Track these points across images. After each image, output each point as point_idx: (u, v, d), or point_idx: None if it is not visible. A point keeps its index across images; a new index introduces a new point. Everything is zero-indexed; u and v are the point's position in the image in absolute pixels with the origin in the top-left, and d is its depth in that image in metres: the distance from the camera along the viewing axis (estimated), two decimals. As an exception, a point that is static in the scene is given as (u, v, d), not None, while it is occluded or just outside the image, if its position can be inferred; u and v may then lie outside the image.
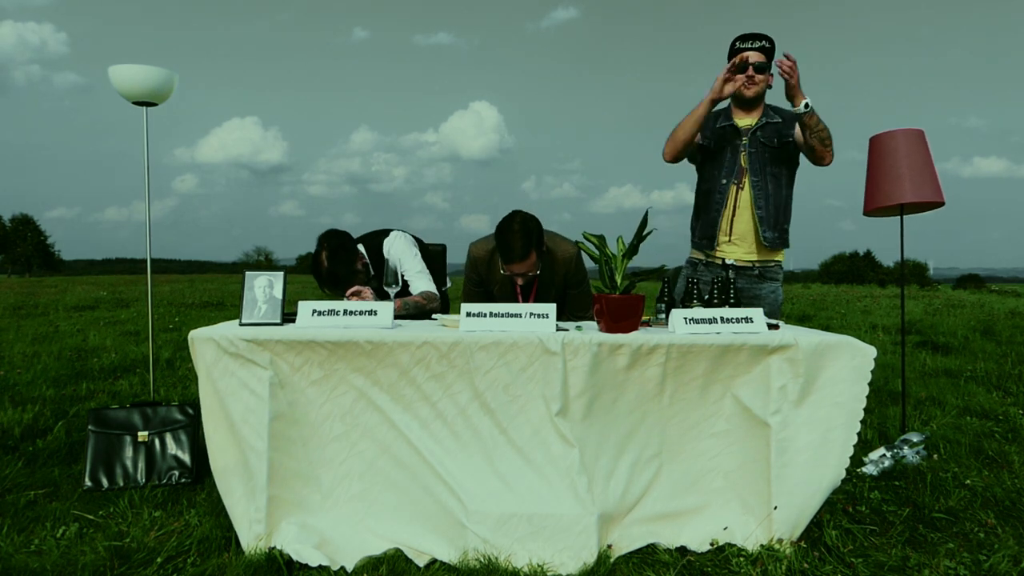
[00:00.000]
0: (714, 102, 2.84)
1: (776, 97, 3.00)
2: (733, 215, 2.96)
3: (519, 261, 2.77)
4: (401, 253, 3.08)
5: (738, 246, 2.99)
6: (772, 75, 2.96)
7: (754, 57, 2.91)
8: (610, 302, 2.22)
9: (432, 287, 3.04)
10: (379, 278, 3.06)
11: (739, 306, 2.45)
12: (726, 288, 2.48)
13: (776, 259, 3.04)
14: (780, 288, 3.05)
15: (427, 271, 3.09)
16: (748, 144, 2.95)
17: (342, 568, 2.01)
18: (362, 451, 2.21)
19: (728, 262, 2.98)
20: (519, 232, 2.74)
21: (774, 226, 2.97)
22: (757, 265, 3.00)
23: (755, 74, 2.91)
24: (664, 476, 2.26)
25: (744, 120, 3.01)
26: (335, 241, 2.92)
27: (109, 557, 2.04)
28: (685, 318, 2.26)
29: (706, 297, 2.50)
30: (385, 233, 3.14)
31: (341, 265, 2.89)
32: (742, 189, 2.95)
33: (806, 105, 2.74)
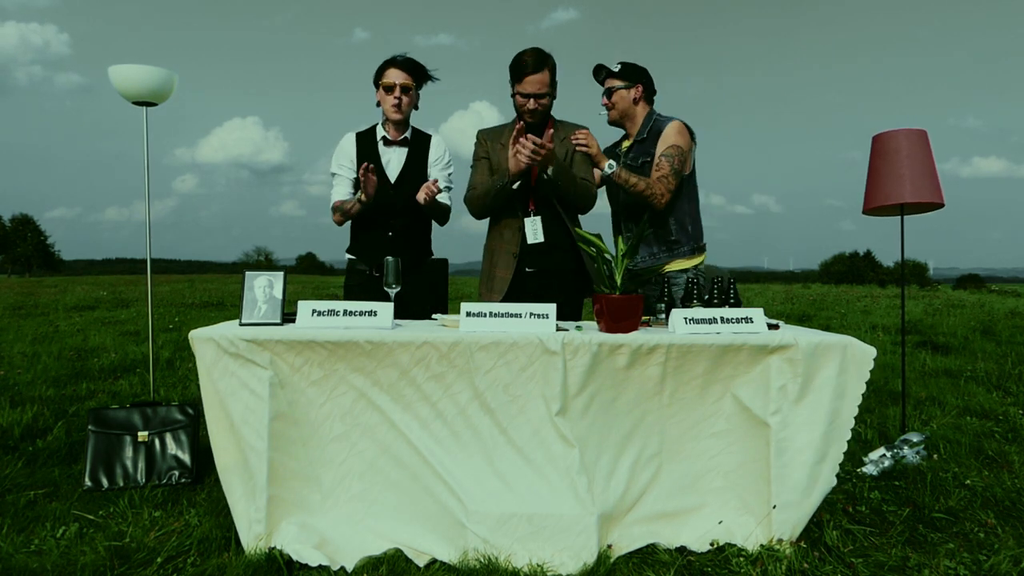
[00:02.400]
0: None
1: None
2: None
3: (532, 73, 2.75)
4: (443, 156, 3.12)
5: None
6: (636, 87, 2.98)
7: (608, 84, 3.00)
8: (610, 302, 2.22)
9: (449, 204, 3.09)
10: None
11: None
12: (726, 288, 2.48)
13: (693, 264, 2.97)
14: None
15: (450, 189, 3.13)
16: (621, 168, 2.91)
17: (342, 568, 2.01)
18: (362, 451, 2.21)
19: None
20: (532, 50, 2.79)
21: (661, 240, 2.94)
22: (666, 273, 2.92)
23: (607, 101, 3.02)
24: (664, 476, 2.26)
25: (625, 143, 3.10)
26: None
27: (109, 557, 2.04)
28: (685, 318, 2.26)
29: (706, 297, 2.51)
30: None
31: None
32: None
33: (610, 165, 2.82)
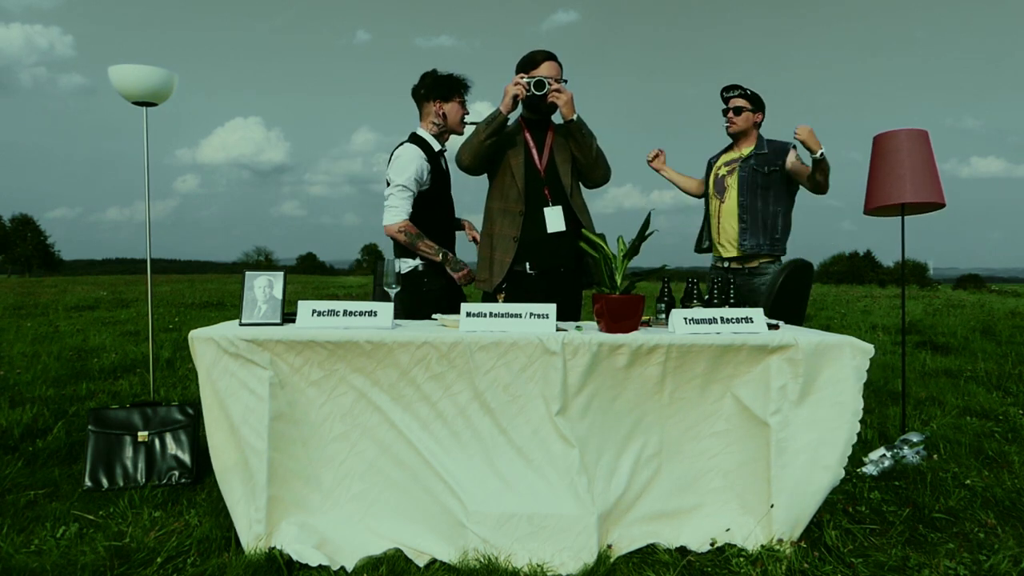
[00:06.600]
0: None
1: (771, 131, 3.49)
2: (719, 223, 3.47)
3: (544, 60, 2.90)
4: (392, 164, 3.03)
5: (725, 248, 3.45)
6: (759, 113, 3.44)
7: (733, 103, 3.42)
8: (610, 302, 2.22)
9: (388, 220, 2.97)
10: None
11: (738, 303, 2.48)
12: (726, 288, 2.49)
13: (764, 261, 3.37)
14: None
15: (395, 199, 2.98)
16: (739, 169, 3.41)
17: (342, 568, 2.01)
18: (362, 451, 2.21)
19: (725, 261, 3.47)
20: (540, 50, 2.94)
21: (768, 234, 3.35)
22: (747, 266, 3.40)
23: (733, 116, 3.42)
24: (664, 476, 2.26)
25: (734, 152, 3.51)
26: None
27: (109, 557, 2.04)
28: (685, 318, 2.26)
29: (706, 297, 2.51)
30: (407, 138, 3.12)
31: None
32: (724, 203, 3.43)
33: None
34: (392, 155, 3.06)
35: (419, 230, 2.98)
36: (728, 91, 3.45)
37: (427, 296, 3.01)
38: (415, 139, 3.07)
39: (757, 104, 3.43)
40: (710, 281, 2.56)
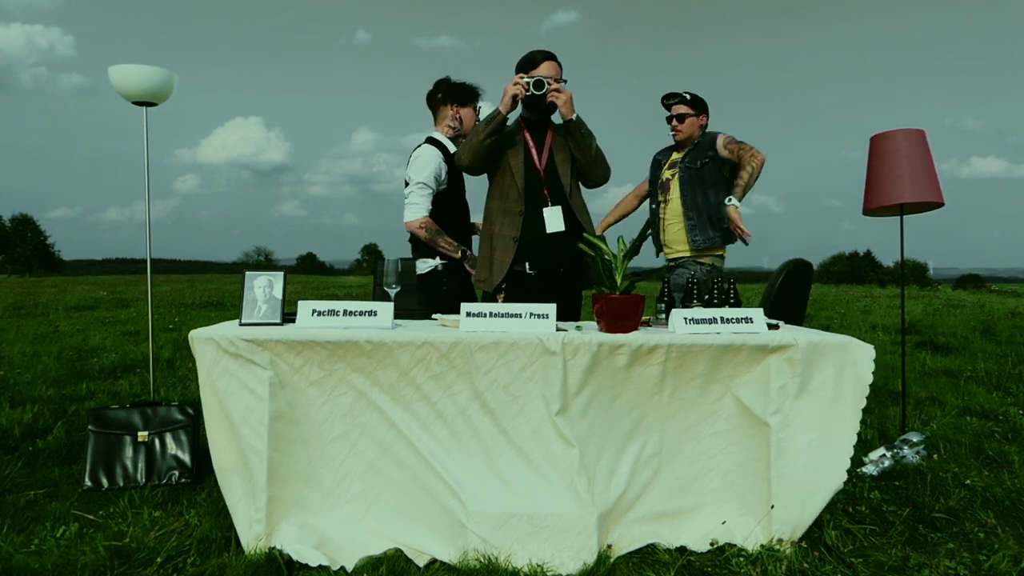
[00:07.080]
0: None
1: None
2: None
3: (544, 60, 2.89)
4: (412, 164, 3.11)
5: (672, 248, 3.52)
6: (702, 115, 3.46)
7: (675, 110, 3.46)
8: (610, 302, 2.22)
9: (410, 216, 3.06)
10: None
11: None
12: (726, 288, 2.49)
13: (716, 255, 3.43)
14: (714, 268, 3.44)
15: (415, 196, 3.06)
16: (679, 170, 3.45)
17: (342, 568, 2.02)
18: (362, 451, 2.21)
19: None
20: (540, 50, 2.93)
21: (718, 226, 3.36)
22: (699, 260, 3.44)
23: (678, 124, 3.45)
24: (664, 475, 2.26)
25: (676, 154, 3.55)
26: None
27: (109, 557, 2.04)
28: (685, 318, 2.26)
29: (706, 297, 2.51)
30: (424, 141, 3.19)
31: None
32: (668, 204, 3.49)
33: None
34: (411, 156, 3.16)
35: (439, 227, 3.06)
36: (669, 99, 3.48)
37: (446, 296, 3.08)
38: (432, 141, 3.17)
39: (699, 108, 3.45)
40: (709, 281, 2.56)
